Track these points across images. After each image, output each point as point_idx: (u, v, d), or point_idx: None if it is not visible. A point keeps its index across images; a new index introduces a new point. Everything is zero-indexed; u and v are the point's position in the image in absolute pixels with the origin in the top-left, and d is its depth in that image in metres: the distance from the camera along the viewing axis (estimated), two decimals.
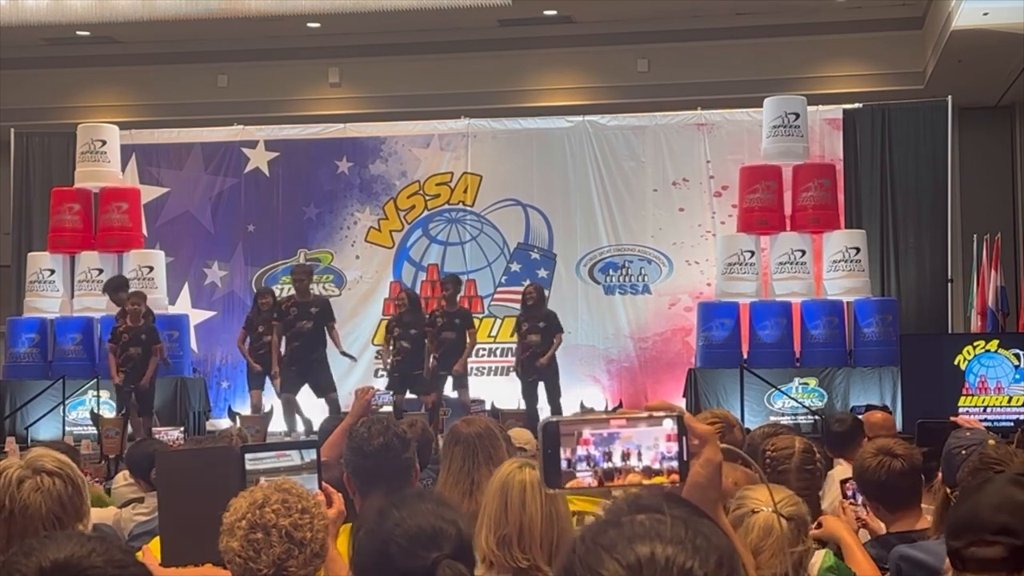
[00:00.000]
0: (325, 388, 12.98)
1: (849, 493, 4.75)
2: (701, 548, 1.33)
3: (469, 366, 13.57)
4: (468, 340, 13.05)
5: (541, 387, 13.06)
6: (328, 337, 13.10)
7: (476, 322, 13.79)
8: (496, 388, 14.41)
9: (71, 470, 3.21)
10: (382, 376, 13.90)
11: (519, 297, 14.93)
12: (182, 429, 11.24)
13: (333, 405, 12.79)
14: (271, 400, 13.57)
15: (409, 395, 12.98)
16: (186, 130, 16.38)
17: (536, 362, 12.91)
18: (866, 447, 4.62)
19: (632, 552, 1.32)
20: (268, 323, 13.17)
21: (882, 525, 4.44)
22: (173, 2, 15.24)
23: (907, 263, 15.16)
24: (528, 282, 14.24)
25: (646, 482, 1.61)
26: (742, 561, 1.39)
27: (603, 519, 1.38)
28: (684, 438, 1.64)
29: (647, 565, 1.31)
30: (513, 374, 14.19)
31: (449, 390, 13.11)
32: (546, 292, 14.20)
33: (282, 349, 13.10)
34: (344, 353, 13.41)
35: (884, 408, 12.22)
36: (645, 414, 1.64)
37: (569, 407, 13.56)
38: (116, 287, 13.52)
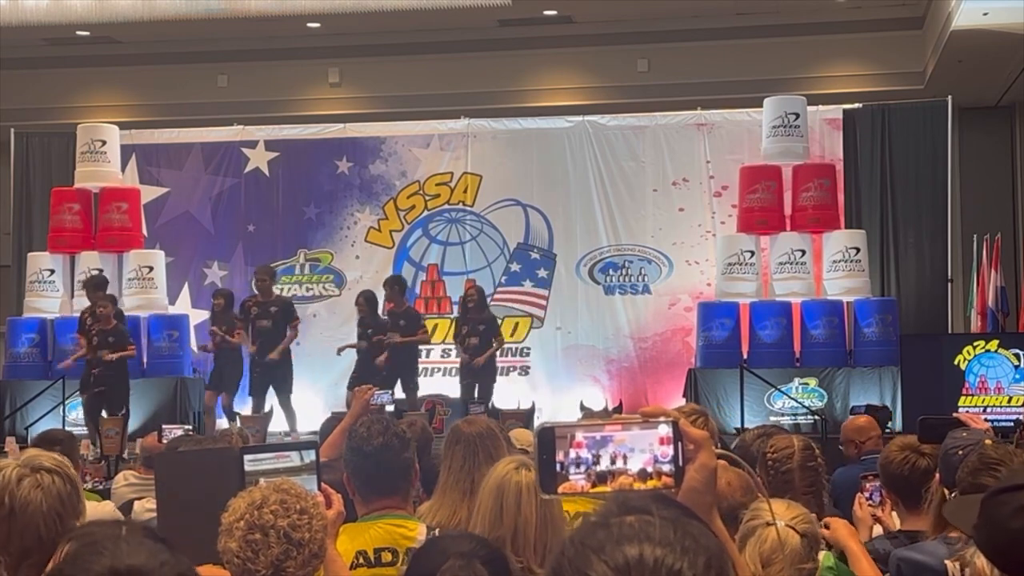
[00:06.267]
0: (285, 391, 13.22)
1: (867, 493, 4.77)
2: (690, 549, 1.33)
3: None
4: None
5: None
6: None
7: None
8: (496, 388, 14.39)
9: (67, 468, 3.26)
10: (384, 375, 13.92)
11: (520, 297, 14.96)
12: (188, 427, 11.19)
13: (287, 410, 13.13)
14: (271, 400, 13.58)
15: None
16: (186, 130, 16.38)
17: (472, 362, 13.07)
18: (894, 441, 4.65)
19: (620, 553, 1.32)
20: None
21: (897, 524, 4.46)
22: (173, 2, 15.24)
23: (907, 263, 15.15)
24: (470, 280, 14.31)
25: (639, 486, 1.61)
26: (732, 563, 1.39)
27: (592, 520, 1.38)
28: (679, 443, 1.64)
29: (635, 567, 1.31)
30: (514, 374, 14.21)
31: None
32: (486, 294, 14.16)
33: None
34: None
35: (884, 408, 12.23)
36: (640, 418, 1.64)
37: (569, 407, 13.58)
38: (97, 285, 13.50)
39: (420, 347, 13.88)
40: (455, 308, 15.11)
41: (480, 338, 13.15)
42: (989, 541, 1.94)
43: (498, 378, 14.91)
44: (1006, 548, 1.89)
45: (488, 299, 15.35)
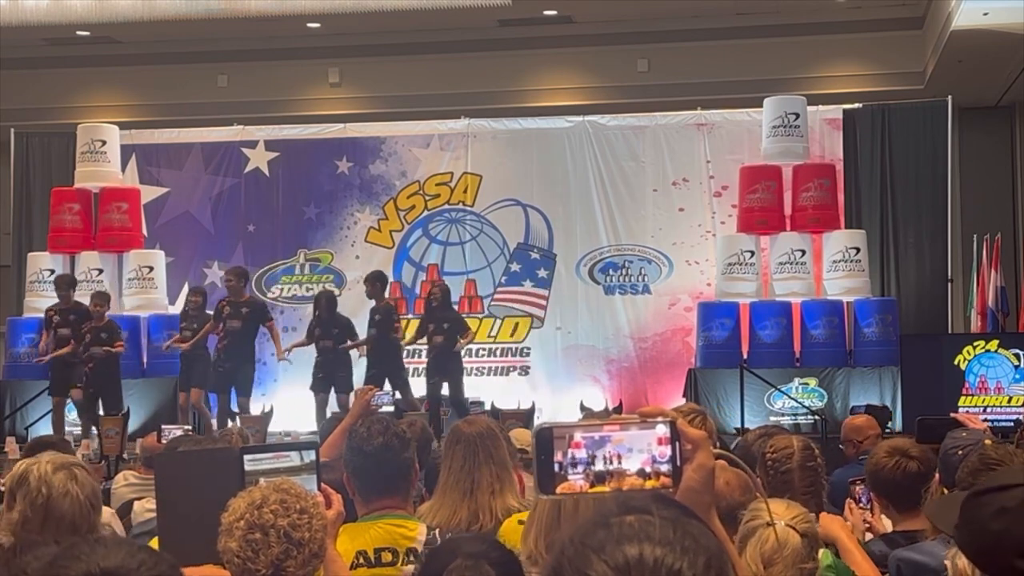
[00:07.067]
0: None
1: (857, 497, 4.76)
2: (689, 549, 1.33)
3: (468, 367, 13.62)
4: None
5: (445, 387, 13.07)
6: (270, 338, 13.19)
7: (474, 323, 13.72)
8: (496, 388, 14.41)
9: (87, 467, 3.44)
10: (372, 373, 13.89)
11: (519, 297, 14.94)
12: (188, 428, 11.18)
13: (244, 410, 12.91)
14: (271, 400, 13.56)
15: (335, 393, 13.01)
16: (186, 130, 16.38)
17: (440, 356, 12.89)
18: (880, 445, 4.63)
19: (620, 553, 1.32)
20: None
21: (888, 527, 4.45)
22: (173, 2, 15.24)
23: (907, 263, 15.16)
24: (435, 281, 14.22)
25: (637, 485, 1.61)
26: (731, 563, 1.39)
27: (592, 520, 1.38)
28: (677, 443, 1.64)
29: (635, 566, 1.31)
30: (514, 374, 14.18)
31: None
32: (451, 293, 13.97)
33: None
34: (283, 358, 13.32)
35: (884, 408, 12.24)
36: (638, 419, 1.64)
37: (569, 407, 13.57)
38: (69, 284, 13.51)
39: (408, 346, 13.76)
40: (454, 308, 15.11)
41: (445, 336, 12.98)
42: (971, 542, 1.94)
43: (499, 378, 14.94)
44: (987, 549, 1.89)
45: (490, 299, 15.38)
